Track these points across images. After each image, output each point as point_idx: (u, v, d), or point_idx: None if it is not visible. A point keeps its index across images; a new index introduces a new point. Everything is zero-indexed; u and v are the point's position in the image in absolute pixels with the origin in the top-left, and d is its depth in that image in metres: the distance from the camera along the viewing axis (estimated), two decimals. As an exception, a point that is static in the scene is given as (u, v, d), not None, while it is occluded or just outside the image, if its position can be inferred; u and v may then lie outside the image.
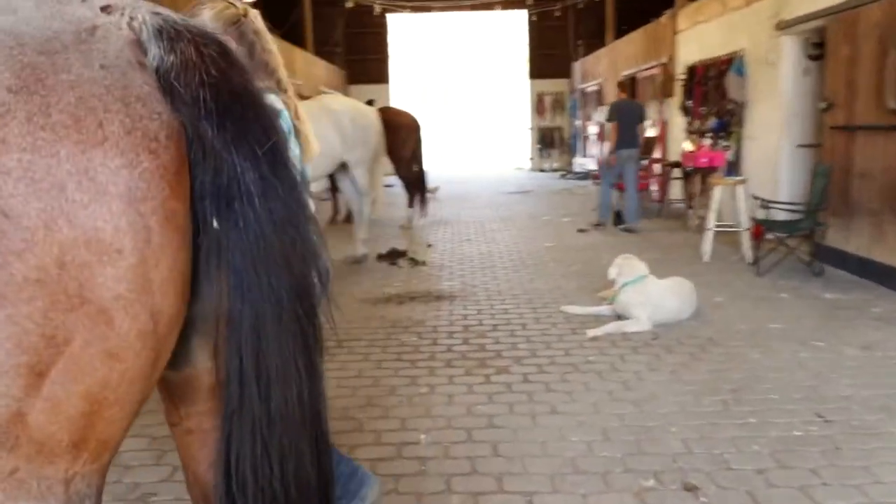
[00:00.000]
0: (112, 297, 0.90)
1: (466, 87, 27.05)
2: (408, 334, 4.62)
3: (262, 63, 2.02)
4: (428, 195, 12.50)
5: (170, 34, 0.96)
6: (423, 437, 3.10)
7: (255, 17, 2.01)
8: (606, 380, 3.70)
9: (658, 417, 3.21)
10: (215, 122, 0.95)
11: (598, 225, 8.94)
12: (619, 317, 4.72)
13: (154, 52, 0.95)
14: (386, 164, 8.21)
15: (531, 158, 20.56)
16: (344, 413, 3.37)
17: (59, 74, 0.87)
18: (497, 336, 4.52)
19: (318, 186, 13.41)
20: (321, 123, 6.46)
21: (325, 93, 13.55)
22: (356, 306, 5.37)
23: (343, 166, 6.84)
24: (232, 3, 1.98)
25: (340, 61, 19.31)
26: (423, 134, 9.77)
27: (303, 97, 10.95)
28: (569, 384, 3.66)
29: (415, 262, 7.01)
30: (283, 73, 2.07)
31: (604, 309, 4.94)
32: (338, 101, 6.88)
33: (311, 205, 2.22)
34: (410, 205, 9.73)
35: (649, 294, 4.62)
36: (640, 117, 8.86)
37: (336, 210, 10.33)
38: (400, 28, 21.05)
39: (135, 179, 0.88)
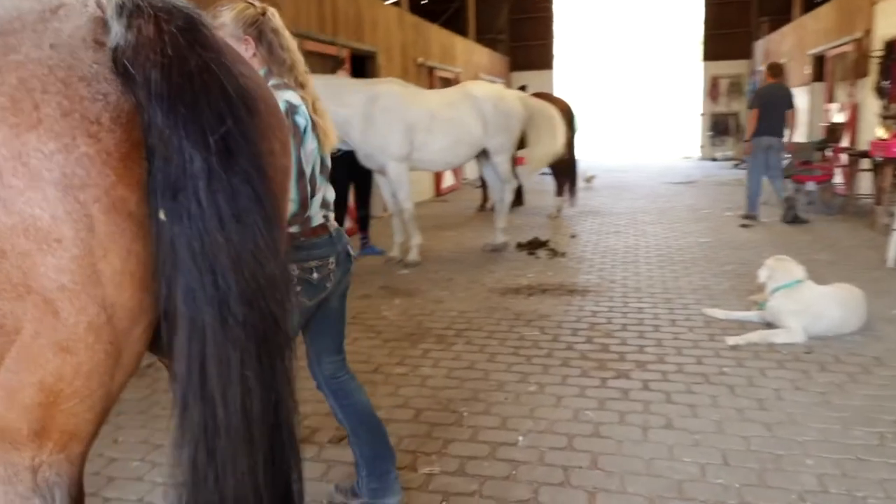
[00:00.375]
0: (56, 288, 0.87)
1: (634, 72, 25.80)
2: (529, 328, 4.45)
3: (279, 60, 2.07)
4: (584, 184, 12.11)
5: (130, 10, 0.91)
6: (520, 438, 2.95)
7: (273, 14, 2.08)
8: (739, 395, 3.30)
9: (793, 445, 2.79)
10: (166, 105, 0.89)
11: (747, 218, 8.23)
12: (769, 325, 4.20)
13: (115, 29, 0.91)
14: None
15: (701, 146, 19.20)
16: (446, 405, 3.30)
17: (8, 55, 0.85)
18: (624, 337, 4.22)
19: (471, 175, 13.55)
20: (461, 109, 6.43)
21: (483, 80, 13.55)
22: (484, 295, 5.29)
23: (484, 153, 6.77)
24: (251, 4, 2.06)
25: (504, 48, 19.24)
26: (576, 121, 9.44)
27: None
28: (694, 396, 3.31)
29: (554, 254, 6.78)
30: (301, 68, 2.11)
31: (752, 315, 4.43)
32: (481, 88, 6.79)
33: (331, 193, 2.19)
34: (559, 193, 9.45)
35: (805, 301, 4.06)
36: (788, 104, 8.10)
37: (486, 198, 10.31)
38: (565, 12, 20.51)
39: (71, 165, 0.84)
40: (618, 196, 11.25)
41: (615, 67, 25.06)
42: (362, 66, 9.30)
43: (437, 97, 6.62)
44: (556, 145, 7.00)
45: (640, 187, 12.49)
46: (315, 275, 2.14)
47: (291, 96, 2.02)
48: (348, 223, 7.38)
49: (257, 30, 2.03)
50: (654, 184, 13.03)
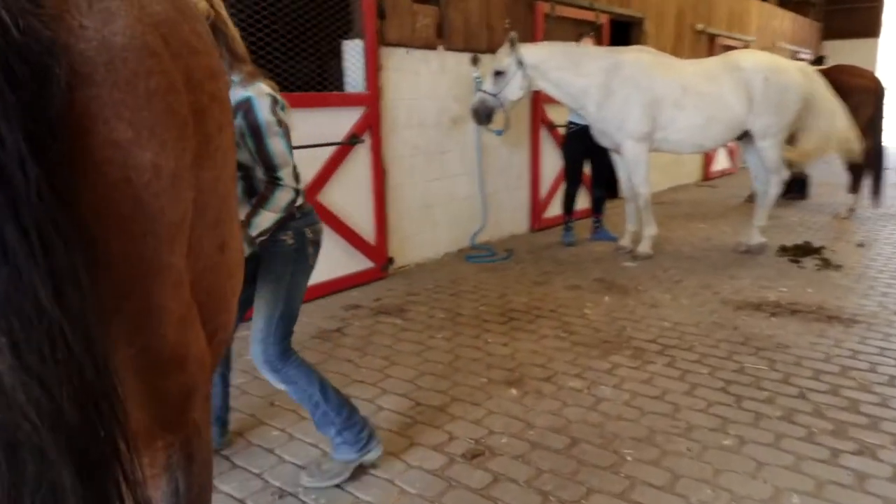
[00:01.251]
0: None
1: None
2: (756, 359, 3.57)
3: (233, 52, 1.97)
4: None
5: None
6: (686, 511, 2.28)
7: (220, 6, 1.97)
8: None
9: None
10: None
11: None
12: None
13: None
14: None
15: None
16: (610, 441, 2.73)
17: None
18: (888, 395, 3.14)
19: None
20: (721, 82, 5.46)
21: (783, 49, 11.71)
22: (712, 307, 4.42)
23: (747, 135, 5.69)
24: None
25: (816, 13, 16.50)
26: (886, 99, 7.54)
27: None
28: (973, 509, 2.28)
29: (825, 265, 5.49)
30: (247, 56, 2.03)
31: None
32: (752, 58, 5.65)
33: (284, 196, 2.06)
34: (853, 190, 7.70)
35: None
36: None
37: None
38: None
39: None
40: (942, 198, 8.90)
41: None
42: (625, 33, 8.49)
43: (693, 68, 5.68)
44: (832, 132, 5.70)
45: (981, 189, 9.75)
46: (322, 236, 2.32)
47: (272, 90, 2.01)
48: (585, 203, 6.84)
49: (212, 25, 1.89)
50: None
